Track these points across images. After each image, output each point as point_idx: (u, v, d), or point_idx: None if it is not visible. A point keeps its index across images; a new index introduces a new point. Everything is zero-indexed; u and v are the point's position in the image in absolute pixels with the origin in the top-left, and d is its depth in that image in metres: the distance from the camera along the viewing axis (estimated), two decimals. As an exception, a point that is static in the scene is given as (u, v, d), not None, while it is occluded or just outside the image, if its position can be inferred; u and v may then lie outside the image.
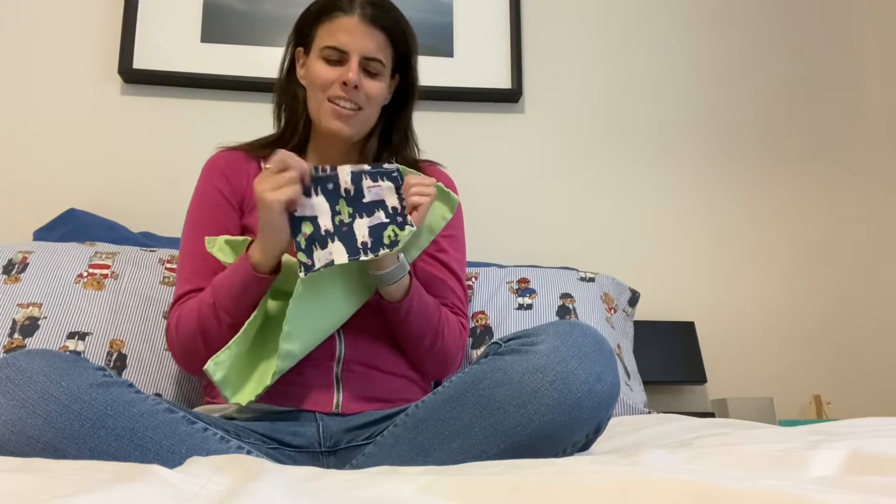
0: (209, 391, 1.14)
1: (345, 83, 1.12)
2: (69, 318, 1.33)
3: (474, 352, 1.46)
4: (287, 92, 1.24)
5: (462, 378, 0.87)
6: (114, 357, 1.31)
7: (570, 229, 1.97)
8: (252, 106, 1.86)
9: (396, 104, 1.25)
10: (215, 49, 1.89)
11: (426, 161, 1.30)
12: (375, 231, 1.00)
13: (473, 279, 1.59)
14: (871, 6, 2.21)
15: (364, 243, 0.99)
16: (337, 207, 1.01)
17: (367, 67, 1.15)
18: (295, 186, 0.97)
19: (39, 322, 1.32)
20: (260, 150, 1.23)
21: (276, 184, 0.96)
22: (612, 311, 1.64)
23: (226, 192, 1.18)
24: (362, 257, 0.98)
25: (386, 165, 1.05)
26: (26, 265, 1.41)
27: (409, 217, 1.01)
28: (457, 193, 1.29)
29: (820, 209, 2.08)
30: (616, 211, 2.01)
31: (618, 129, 2.06)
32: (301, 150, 1.25)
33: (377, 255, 0.98)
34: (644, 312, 1.87)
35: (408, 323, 1.09)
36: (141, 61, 1.85)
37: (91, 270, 1.42)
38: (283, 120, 1.25)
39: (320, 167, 1.02)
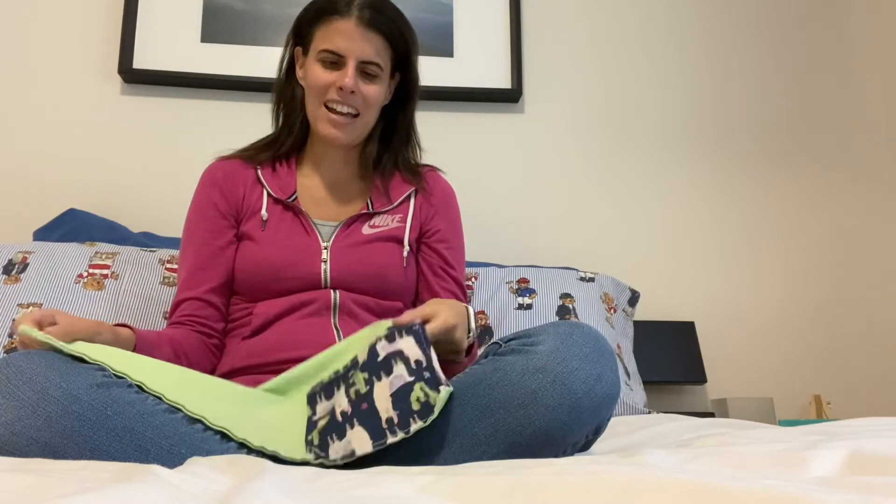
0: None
1: (341, 88, 1.12)
2: (69, 318, 1.33)
3: (476, 352, 1.46)
4: (285, 92, 1.24)
5: (462, 378, 0.87)
6: (114, 357, 1.31)
7: (570, 229, 1.97)
8: (252, 106, 1.86)
9: (397, 103, 1.25)
10: (215, 49, 1.90)
11: (426, 166, 1.30)
12: (400, 398, 0.80)
13: (473, 279, 1.59)
14: (869, 9, 2.21)
15: (390, 420, 0.79)
16: (351, 379, 0.85)
17: (365, 70, 1.15)
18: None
19: (39, 322, 1.32)
20: (257, 153, 1.23)
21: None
22: (612, 311, 1.64)
23: (220, 205, 1.19)
24: (390, 440, 0.78)
25: (403, 325, 0.86)
26: (26, 265, 1.41)
27: (441, 374, 0.80)
28: (455, 198, 1.30)
29: (819, 210, 2.08)
30: (616, 211, 2.01)
31: (618, 128, 2.06)
32: (298, 151, 1.25)
33: (408, 433, 0.78)
34: (644, 312, 1.87)
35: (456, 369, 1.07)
36: (141, 61, 1.86)
37: (91, 271, 1.42)
38: (280, 120, 1.25)
39: (341, 367, 0.89)
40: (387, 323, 0.88)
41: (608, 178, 2.03)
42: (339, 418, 0.82)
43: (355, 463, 0.87)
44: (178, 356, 1.07)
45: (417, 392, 0.79)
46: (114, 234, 1.62)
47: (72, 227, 1.62)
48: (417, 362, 0.82)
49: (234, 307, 1.18)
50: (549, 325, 0.88)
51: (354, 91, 1.12)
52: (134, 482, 0.52)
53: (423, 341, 0.84)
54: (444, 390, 0.78)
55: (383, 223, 1.20)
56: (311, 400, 0.90)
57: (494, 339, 1.30)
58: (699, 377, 1.83)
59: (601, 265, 1.89)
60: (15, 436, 0.74)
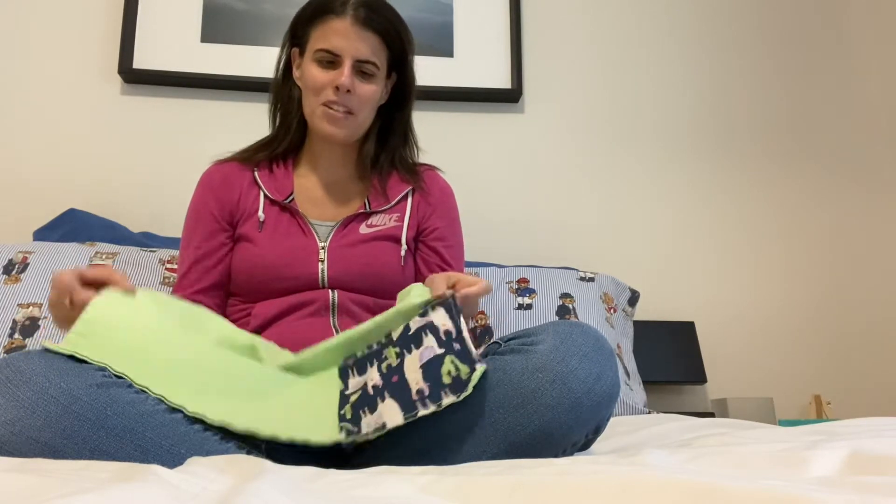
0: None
1: (337, 87, 1.12)
2: (69, 318, 1.33)
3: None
4: (282, 92, 1.24)
5: (462, 378, 0.87)
6: (114, 357, 1.31)
7: (570, 229, 1.97)
8: (252, 106, 1.86)
9: (394, 103, 1.25)
10: (215, 49, 1.90)
11: (425, 165, 1.30)
12: (431, 370, 0.79)
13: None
14: (869, 9, 2.21)
15: (420, 391, 0.78)
16: (384, 354, 0.86)
17: (361, 70, 1.15)
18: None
19: (40, 322, 1.32)
20: (254, 155, 1.24)
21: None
22: (612, 310, 1.64)
23: (215, 211, 1.20)
24: (421, 412, 0.77)
25: (437, 300, 0.87)
26: (26, 265, 1.41)
27: (471, 346, 0.79)
28: (453, 197, 1.30)
29: (820, 209, 2.08)
30: (616, 211, 2.01)
31: (618, 128, 2.06)
32: (295, 151, 1.25)
33: (440, 406, 0.77)
34: (644, 312, 1.87)
35: None
36: (141, 61, 1.86)
37: (91, 270, 1.41)
38: (277, 120, 1.26)
39: (374, 343, 0.89)
40: (418, 291, 0.88)
41: (608, 178, 2.03)
42: (371, 392, 0.82)
43: (355, 463, 0.86)
44: None
45: (448, 365, 0.79)
46: (114, 234, 1.62)
47: (72, 227, 1.62)
48: (447, 333, 0.81)
49: (232, 308, 1.18)
50: (548, 325, 0.88)
51: (351, 90, 1.13)
52: (134, 482, 0.52)
53: (453, 311, 0.84)
54: (480, 368, 0.77)
55: (381, 222, 1.20)
56: (343, 374, 0.89)
57: (494, 338, 1.30)
58: (699, 377, 1.83)
59: (601, 265, 1.89)
60: (15, 436, 0.74)
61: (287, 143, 1.23)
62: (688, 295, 1.97)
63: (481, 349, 0.89)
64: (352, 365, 0.90)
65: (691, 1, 2.16)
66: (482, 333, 1.50)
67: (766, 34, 2.17)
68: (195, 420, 0.83)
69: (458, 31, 2.00)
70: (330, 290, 1.13)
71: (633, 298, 1.73)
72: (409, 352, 0.82)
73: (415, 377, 0.80)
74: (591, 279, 1.66)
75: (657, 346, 1.83)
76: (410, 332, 0.85)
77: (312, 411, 0.85)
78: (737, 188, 2.07)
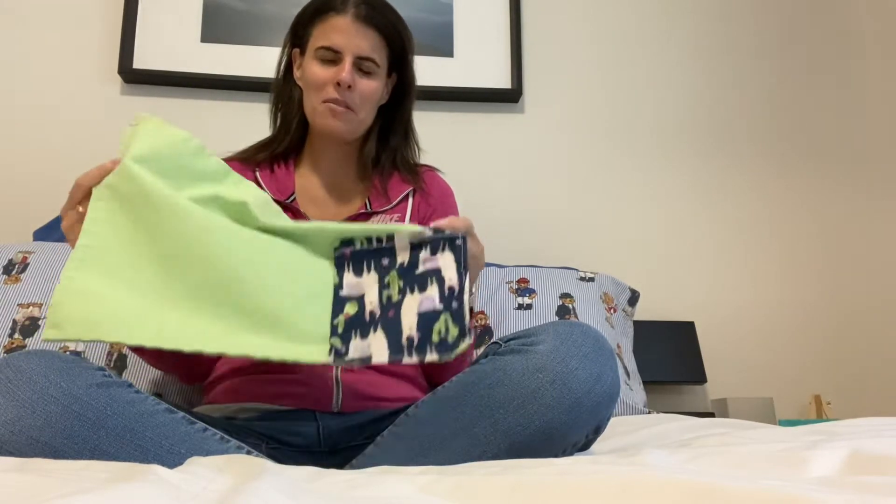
0: (209, 391, 1.14)
1: (338, 83, 1.12)
2: (69, 318, 1.33)
3: (474, 352, 1.46)
4: (283, 93, 1.24)
5: (462, 378, 0.87)
6: (114, 357, 1.31)
7: (570, 229, 1.97)
8: (252, 106, 1.86)
9: (395, 103, 1.25)
10: (215, 49, 1.90)
11: (425, 166, 1.30)
12: (425, 322, 0.81)
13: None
14: (868, 9, 2.21)
15: (410, 339, 0.80)
16: (387, 280, 0.86)
17: (362, 67, 1.15)
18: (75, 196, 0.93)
19: (40, 322, 1.32)
20: (255, 155, 1.23)
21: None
22: (612, 310, 1.64)
23: None
24: (405, 360, 0.80)
25: (448, 232, 0.85)
26: (26, 265, 1.41)
27: (467, 310, 0.80)
28: (453, 197, 1.30)
29: (820, 209, 2.08)
30: (616, 211, 2.01)
31: (618, 129, 2.06)
32: (296, 151, 1.25)
33: (422, 361, 0.79)
34: (644, 312, 1.87)
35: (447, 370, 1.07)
36: (141, 61, 1.86)
37: (91, 270, 1.41)
38: (278, 121, 1.26)
39: (374, 238, 0.87)
40: (427, 233, 0.86)
41: (608, 177, 2.03)
42: (367, 317, 0.83)
43: (355, 464, 0.86)
44: None
45: (440, 324, 0.80)
46: (114, 234, 1.62)
47: (72, 227, 1.62)
48: (451, 289, 0.82)
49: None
50: (548, 325, 0.88)
51: (352, 86, 1.13)
52: (134, 482, 0.52)
53: (461, 262, 0.83)
54: (465, 343, 0.78)
55: (381, 223, 1.20)
56: (339, 263, 0.88)
57: (494, 338, 1.30)
58: (699, 377, 1.83)
59: (601, 265, 1.89)
60: (15, 436, 0.74)
61: (287, 142, 1.23)
62: (688, 295, 1.97)
63: (482, 349, 0.89)
64: (349, 257, 0.89)
65: (690, 2, 2.16)
66: (482, 333, 1.50)
67: (765, 35, 2.17)
68: (195, 420, 0.83)
69: (458, 31, 2.00)
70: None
71: (633, 298, 1.73)
72: (412, 292, 0.83)
73: (409, 322, 0.81)
74: (591, 279, 1.66)
75: (657, 346, 1.83)
76: (418, 272, 0.84)
77: (303, 308, 0.85)
78: (737, 188, 2.07)
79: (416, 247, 0.86)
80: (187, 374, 1.18)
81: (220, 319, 0.82)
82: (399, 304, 0.83)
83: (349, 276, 0.87)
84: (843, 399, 1.95)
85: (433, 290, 0.82)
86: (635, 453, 0.70)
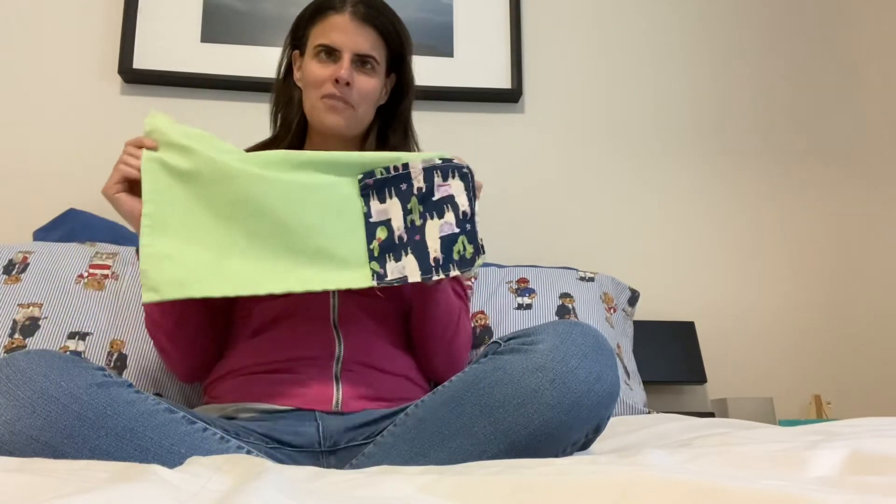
0: (209, 391, 1.14)
1: (337, 80, 1.13)
2: (70, 318, 1.33)
3: (474, 351, 1.46)
4: (283, 94, 1.25)
5: (462, 377, 0.87)
6: (114, 357, 1.31)
7: (569, 229, 1.97)
8: (252, 106, 1.86)
9: (393, 104, 1.25)
10: (215, 49, 1.90)
11: None
12: (446, 243, 0.96)
13: (473, 279, 1.59)
14: (871, 6, 2.21)
15: (436, 259, 0.96)
16: (409, 206, 0.99)
17: (360, 64, 1.16)
18: (120, 171, 1.02)
19: (40, 322, 1.32)
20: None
21: (111, 179, 1.03)
22: (612, 310, 1.64)
23: None
24: (434, 277, 0.96)
25: (456, 161, 1.01)
26: (26, 265, 1.41)
27: (478, 229, 0.97)
28: None
29: (820, 209, 2.08)
30: (616, 210, 2.01)
31: (618, 128, 2.06)
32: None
33: (448, 275, 0.96)
34: (644, 312, 1.87)
35: (437, 304, 1.10)
36: (141, 61, 1.85)
37: (91, 271, 1.42)
38: (278, 121, 1.26)
39: (391, 167, 1.00)
40: (437, 161, 1.00)
41: (608, 177, 2.03)
42: (397, 241, 0.98)
43: (355, 464, 0.86)
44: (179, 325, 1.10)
45: (459, 245, 0.96)
46: (114, 234, 1.62)
47: (72, 227, 1.62)
48: (464, 213, 0.97)
49: (233, 307, 1.18)
50: (548, 325, 0.88)
51: (350, 83, 1.14)
52: (134, 482, 0.52)
53: (470, 188, 0.99)
54: (480, 259, 0.95)
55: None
56: (364, 193, 1.00)
57: (494, 338, 1.30)
58: (699, 377, 1.83)
59: (601, 265, 1.89)
60: (15, 436, 0.74)
61: (287, 143, 1.23)
62: (688, 295, 1.97)
63: (482, 348, 0.90)
64: (372, 186, 1.01)
65: (692, 1, 2.16)
66: (482, 333, 1.50)
67: (767, 33, 2.17)
68: (195, 420, 0.83)
69: (458, 31, 2.00)
70: (331, 292, 1.13)
71: (633, 298, 1.73)
72: (432, 217, 0.97)
73: (434, 245, 0.96)
74: (591, 279, 1.65)
75: (657, 346, 1.82)
76: (435, 198, 0.98)
77: (343, 239, 0.98)
78: (737, 188, 2.07)
79: (428, 172, 0.99)
80: (191, 361, 1.16)
81: (278, 261, 0.95)
82: (422, 228, 0.97)
83: (375, 203, 1.00)
84: (843, 399, 1.95)
85: (450, 216, 0.97)
86: (635, 453, 0.70)
